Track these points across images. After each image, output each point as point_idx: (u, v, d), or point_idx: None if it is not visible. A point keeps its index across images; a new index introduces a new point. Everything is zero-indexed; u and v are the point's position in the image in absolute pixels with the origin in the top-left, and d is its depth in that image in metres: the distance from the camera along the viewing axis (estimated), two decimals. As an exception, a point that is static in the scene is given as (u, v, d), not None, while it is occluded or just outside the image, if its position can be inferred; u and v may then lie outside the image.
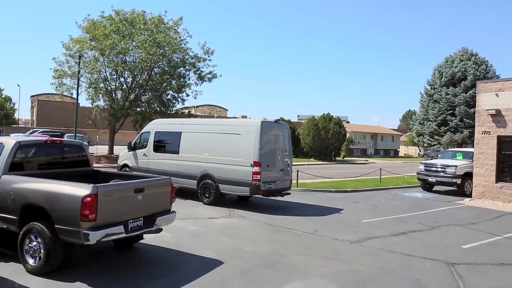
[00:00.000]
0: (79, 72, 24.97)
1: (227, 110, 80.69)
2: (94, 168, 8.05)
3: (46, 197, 5.65)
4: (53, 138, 8.08)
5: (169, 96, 28.90)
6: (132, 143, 14.86)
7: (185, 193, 13.13)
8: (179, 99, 29.02)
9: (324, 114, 44.03)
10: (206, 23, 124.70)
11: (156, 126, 14.57)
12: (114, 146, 28.72)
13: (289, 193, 12.71)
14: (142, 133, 14.89)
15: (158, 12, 27.25)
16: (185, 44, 27.71)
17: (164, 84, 27.60)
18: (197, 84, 28.81)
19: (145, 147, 14.20)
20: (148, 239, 7.69)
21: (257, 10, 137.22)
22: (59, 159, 7.32)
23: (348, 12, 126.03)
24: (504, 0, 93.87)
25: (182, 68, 28.07)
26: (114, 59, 25.49)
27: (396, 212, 12.39)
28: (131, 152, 14.76)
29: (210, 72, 28.70)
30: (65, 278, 5.63)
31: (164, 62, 27.15)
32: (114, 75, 26.60)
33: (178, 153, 13.12)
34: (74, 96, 27.15)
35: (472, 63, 30.63)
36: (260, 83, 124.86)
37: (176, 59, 27.55)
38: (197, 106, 67.37)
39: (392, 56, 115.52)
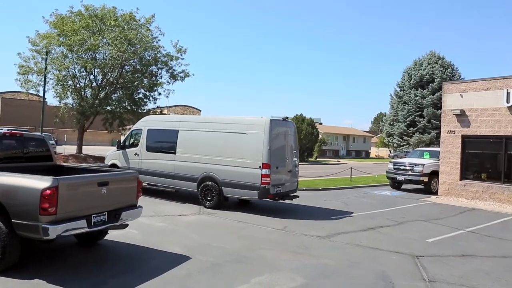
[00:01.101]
0: (46, 68, 24.18)
1: (200, 110, 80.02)
2: (58, 164, 7.78)
3: (2, 190, 5.39)
4: (13, 131, 7.76)
5: (140, 95, 28.41)
6: (121, 141, 13.99)
7: (155, 192, 12.91)
8: (151, 98, 28.59)
9: (297, 115, 44.45)
10: (179, 22, 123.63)
11: (149, 123, 13.54)
12: (84, 146, 27.97)
13: (298, 196, 12.00)
14: (132, 131, 13.96)
15: (130, 9, 26.89)
16: (157, 42, 27.33)
17: (135, 83, 27.08)
18: (170, 83, 28.48)
19: (137, 145, 13.27)
20: (114, 236, 7.50)
21: (231, 10, 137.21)
22: (20, 153, 7.02)
23: (323, 15, 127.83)
24: (468, 7, 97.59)
25: (154, 67, 27.64)
26: (83, 55, 24.82)
27: (365, 209, 12.58)
28: (121, 151, 13.77)
29: (183, 71, 28.44)
30: (22, 276, 5.39)
31: (135, 60, 26.66)
32: (83, 72, 25.89)
33: (174, 153, 12.19)
34: (41, 93, 26.26)
35: (439, 66, 31.65)
36: (233, 84, 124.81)
37: (148, 57, 27.11)
38: (170, 106, 66.51)
39: (364, 60, 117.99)
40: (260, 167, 10.55)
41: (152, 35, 27.09)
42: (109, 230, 7.15)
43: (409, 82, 32.30)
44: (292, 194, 11.64)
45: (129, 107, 28.03)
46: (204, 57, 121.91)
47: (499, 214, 12.85)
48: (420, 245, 8.30)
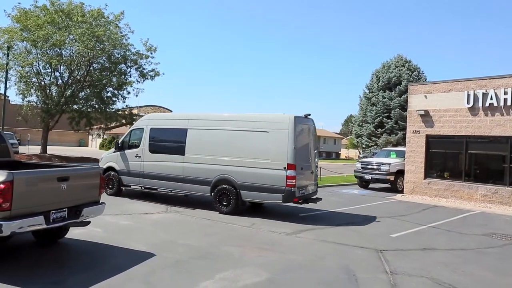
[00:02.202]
0: (7, 64, 23.21)
1: (171, 111, 79.06)
2: (16, 159, 7.48)
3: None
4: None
5: (109, 94, 27.73)
6: (119, 142, 12.79)
7: (124, 192, 12.64)
8: (120, 97, 27.95)
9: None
10: (150, 20, 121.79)
11: (152, 121, 12.41)
12: (49, 146, 27.04)
13: (321, 199, 11.36)
14: (132, 130, 12.80)
15: (98, 5, 26.15)
16: (126, 40, 26.71)
17: (104, 81, 26.38)
18: (139, 82, 27.90)
19: (138, 146, 12.18)
20: (76, 234, 7.29)
21: (202, 9, 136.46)
22: (-26, 149, 6.71)
23: (294, 17, 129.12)
24: (430, 12, 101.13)
25: (123, 65, 27.03)
26: (48, 51, 23.97)
27: (333, 207, 12.76)
28: (118, 152, 12.55)
29: (153, 70, 27.90)
30: (-26, 275, 5.14)
31: (104, 58, 25.97)
32: (48, 69, 24.97)
33: (183, 154, 11.20)
34: (2, 91, 25.20)
35: (406, 69, 32.61)
36: (204, 84, 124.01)
37: (117, 55, 26.50)
38: (140, 106, 65.18)
39: (336, 62, 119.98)
40: (285, 168, 9.80)
41: (121, 33, 26.49)
42: (70, 228, 6.96)
43: (377, 84, 33.12)
44: (315, 197, 10.97)
45: (96, 106, 27.31)
46: (175, 56, 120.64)
47: (459, 211, 13.34)
48: (384, 240, 8.49)
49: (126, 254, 6.51)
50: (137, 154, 12.10)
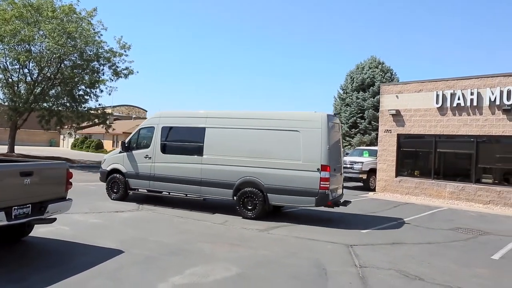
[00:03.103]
0: (-28, 60, 22.38)
1: (146, 111, 78.07)
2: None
3: None
4: None
5: (81, 92, 27.13)
6: (126, 142, 11.81)
7: (91, 191, 12.37)
8: (92, 95, 27.39)
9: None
10: (124, 17, 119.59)
11: (163, 119, 11.46)
12: (18, 146, 26.19)
13: (350, 202, 10.84)
14: (141, 129, 11.85)
15: (70, 1, 25.51)
16: (99, 37, 26.19)
17: (75, 79, 25.79)
18: (112, 80, 27.42)
19: (148, 146, 11.30)
20: (42, 232, 7.10)
21: (176, 8, 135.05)
22: None
23: (265, 17, 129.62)
24: (401, 16, 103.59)
25: (96, 62, 26.48)
26: (16, 47, 23.24)
27: (306, 204, 12.85)
28: (125, 153, 11.61)
29: (127, 68, 27.44)
30: None
31: (75, 55, 25.36)
32: (16, 65, 24.27)
33: (201, 155, 10.46)
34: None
35: (379, 70, 33.25)
36: (179, 83, 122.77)
37: (90, 52, 25.92)
38: (114, 106, 64.13)
39: (311, 63, 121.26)
40: (318, 169, 9.25)
41: (94, 30, 25.96)
42: (36, 226, 6.76)
43: (351, 85, 33.59)
44: (344, 200, 10.57)
45: (68, 104, 26.66)
46: (150, 55, 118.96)
47: (428, 207, 13.72)
48: (355, 236, 8.62)
49: (93, 252, 6.37)
50: (147, 155, 11.21)
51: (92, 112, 28.41)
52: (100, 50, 26.28)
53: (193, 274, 5.58)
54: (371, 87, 32.09)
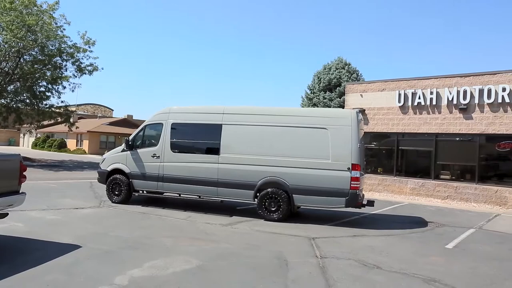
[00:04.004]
0: None
1: (112, 110, 76.32)
2: None
3: None
4: None
5: (42, 88, 26.18)
6: (130, 140, 10.89)
7: (51, 188, 11.94)
8: (54, 91, 26.47)
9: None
10: (89, 13, 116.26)
11: (173, 115, 10.61)
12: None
13: (374, 201, 10.24)
14: (146, 125, 10.99)
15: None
16: (62, 32, 25.37)
17: (36, 74, 24.85)
18: (76, 76, 26.65)
19: (155, 145, 10.53)
20: (-7, 228, 6.76)
21: (144, 9, 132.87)
22: None
23: (236, 18, 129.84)
24: (369, 17, 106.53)
25: (58, 58, 25.63)
26: (-30, 40, 22.15)
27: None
28: (128, 152, 10.76)
29: (91, 64, 26.79)
30: None
31: (36, 50, 24.45)
32: (-29, 59, 23.10)
33: (217, 154, 9.83)
34: None
35: (346, 71, 33.92)
36: (145, 82, 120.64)
37: (52, 47, 25.05)
38: (79, 105, 62.43)
39: (277, 63, 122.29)
40: (349, 168, 8.92)
41: (56, 24, 25.12)
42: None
43: (318, 85, 34.10)
44: (368, 200, 10.07)
45: (28, 101, 25.66)
46: (118, 53, 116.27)
47: (390, 203, 14.12)
48: (317, 229, 8.74)
49: (49, 247, 6.14)
50: (154, 154, 10.40)
51: (54, 109, 27.47)
52: (63, 45, 25.49)
53: (152, 267, 5.49)
54: (337, 87, 32.67)
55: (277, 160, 9.41)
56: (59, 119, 28.84)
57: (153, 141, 10.76)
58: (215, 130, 9.95)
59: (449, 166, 15.91)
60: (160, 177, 10.26)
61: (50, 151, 46.13)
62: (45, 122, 29.93)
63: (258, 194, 9.53)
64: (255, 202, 9.63)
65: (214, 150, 9.92)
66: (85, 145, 45.76)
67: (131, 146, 10.79)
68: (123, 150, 10.93)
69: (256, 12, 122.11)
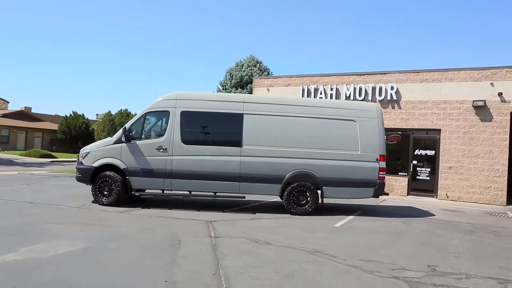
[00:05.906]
0: None
1: (8, 102, 68.82)
2: None
3: None
4: None
5: None
6: (127, 129, 9.18)
7: None
8: None
9: (121, 110, 42.53)
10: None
11: (182, 102, 9.31)
12: None
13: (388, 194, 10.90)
14: (147, 113, 9.46)
15: None
16: None
17: None
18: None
19: (159, 135, 9.27)
20: None
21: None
22: None
23: (148, 16, 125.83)
24: (275, 16, 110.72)
25: None
26: None
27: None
28: (124, 144, 9.11)
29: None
30: None
31: None
32: None
33: (239, 146, 9.07)
34: None
35: (257, 69, 34.84)
36: (51, 75, 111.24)
37: None
38: (-35, 94, 55.20)
39: (191, 58, 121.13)
40: (377, 159, 9.29)
41: None
42: None
43: (230, 81, 34.55)
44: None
45: None
46: (14, 42, 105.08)
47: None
48: (217, 215, 8.81)
49: None
50: (160, 146, 9.08)
51: None
52: None
53: (30, 251, 5.12)
54: (249, 84, 33.36)
55: (306, 152, 9.18)
56: None
57: (156, 131, 9.61)
58: (235, 120, 9.24)
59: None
60: (168, 172, 9.02)
61: None
62: None
63: (285, 189, 9.21)
64: (283, 196, 9.29)
65: (235, 142, 9.18)
66: (-30, 138, 40.71)
67: (128, 138, 9.19)
68: (116, 142, 9.25)
69: (173, 10, 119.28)
